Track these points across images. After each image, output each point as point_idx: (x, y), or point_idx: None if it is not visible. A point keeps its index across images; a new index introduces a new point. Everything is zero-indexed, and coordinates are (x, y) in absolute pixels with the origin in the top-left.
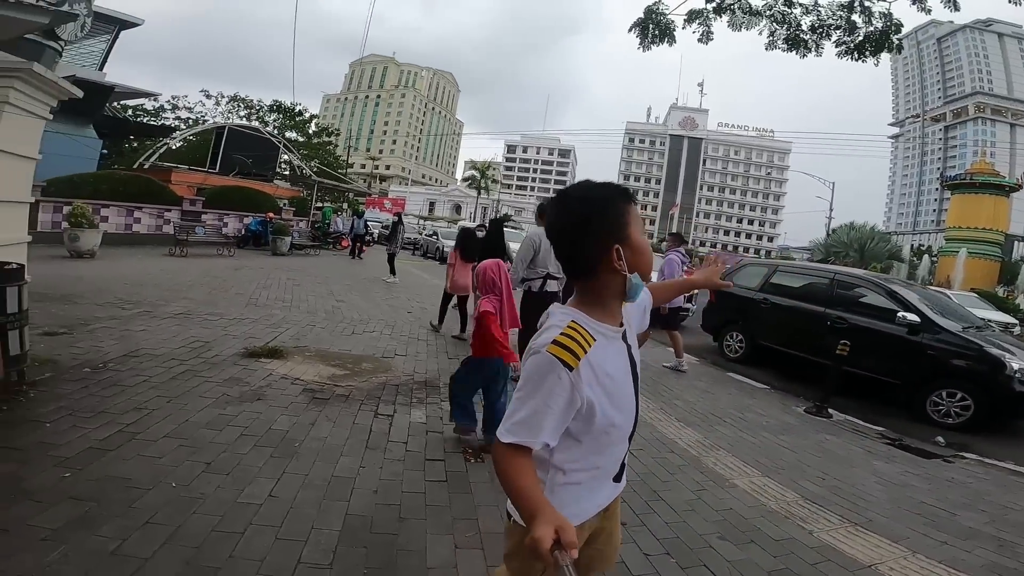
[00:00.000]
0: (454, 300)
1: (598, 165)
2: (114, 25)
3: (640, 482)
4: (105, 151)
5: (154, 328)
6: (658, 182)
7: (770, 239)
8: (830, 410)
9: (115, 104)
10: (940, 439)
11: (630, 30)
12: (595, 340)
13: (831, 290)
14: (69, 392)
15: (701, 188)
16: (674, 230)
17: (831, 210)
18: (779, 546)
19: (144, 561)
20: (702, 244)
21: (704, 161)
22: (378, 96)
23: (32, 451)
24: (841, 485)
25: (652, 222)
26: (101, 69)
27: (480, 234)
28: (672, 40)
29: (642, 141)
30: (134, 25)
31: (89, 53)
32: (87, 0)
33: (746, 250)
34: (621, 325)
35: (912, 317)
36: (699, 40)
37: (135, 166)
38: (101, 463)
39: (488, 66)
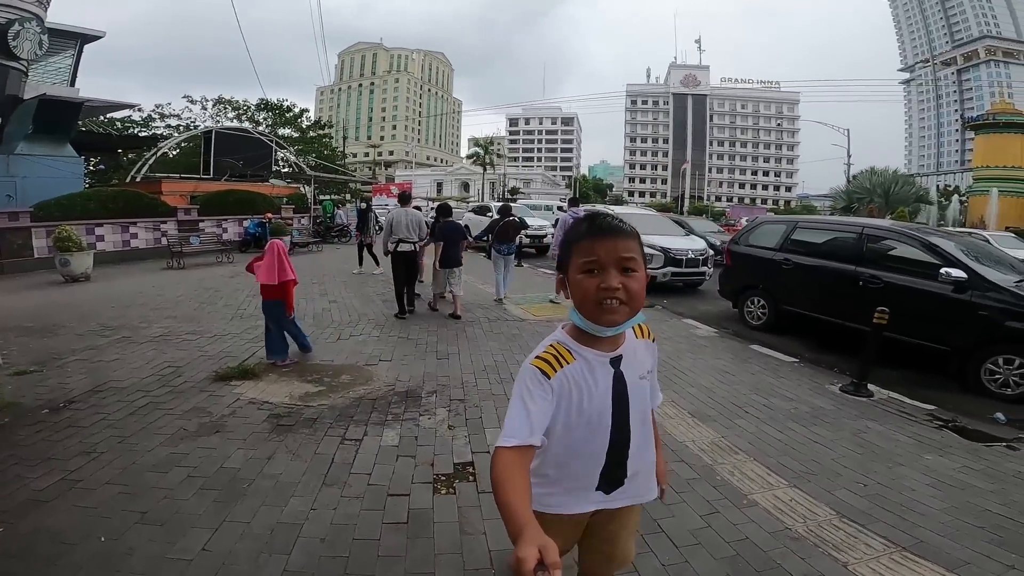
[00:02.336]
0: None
1: (603, 130)
2: (75, 40)
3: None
4: (102, 167)
5: (128, 356)
6: (666, 142)
7: (788, 189)
8: (870, 386)
9: (101, 118)
10: (1000, 415)
11: None
12: (574, 360)
13: (861, 245)
14: (22, 438)
15: (711, 144)
16: (687, 188)
17: (849, 156)
18: None
19: None
20: (717, 199)
21: (711, 117)
22: (371, 84)
23: None
24: (886, 492)
25: (664, 181)
26: (72, 85)
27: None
28: None
29: (644, 102)
30: (96, 38)
31: (57, 70)
32: (38, 19)
33: (763, 202)
34: (611, 350)
35: (957, 273)
36: None
37: (128, 180)
38: (35, 516)
39: (481, 43)
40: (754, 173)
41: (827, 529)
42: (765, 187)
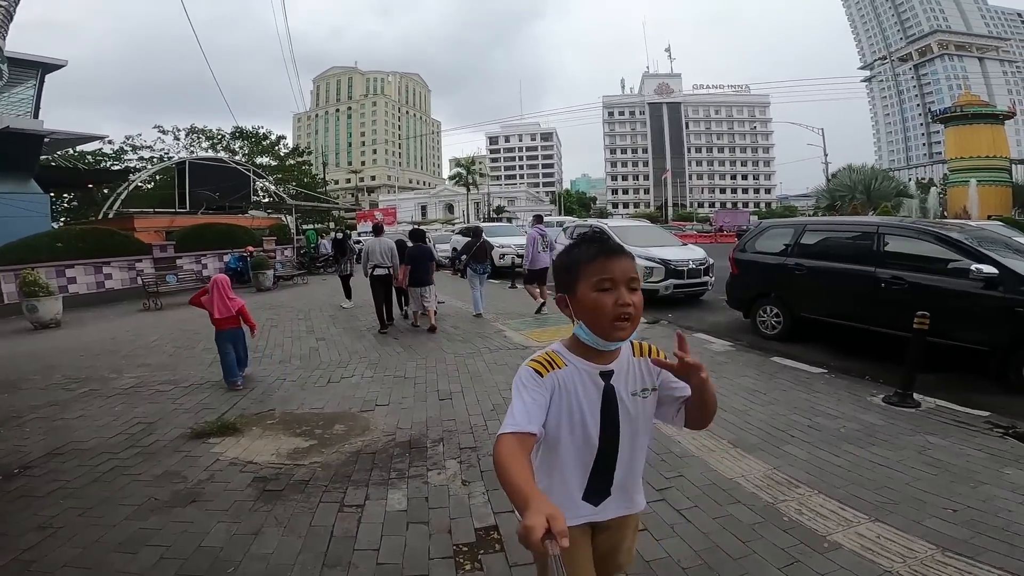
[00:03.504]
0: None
1: (582, 143)
2: (36, 69)
3: (704, 568)
4: (76, 203)
5: (94, 412)
6: (645, 151)
7: (767, 191)
8: (915, 395)
9: (70, 151)
10: None
11: None
12: (566, 366)
13: (878, 245)
14: None
15: (689, 151)
16: (669, 196)
17: (826, 155)
18: None
19: None
20: (700, 206)
21: (687, 124)
22: (348, 108)
23: None
24: (981, 517)
25: (647, 191)
26: (36, 117)
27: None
28: None
29: (621, 113)
30: (58, 67)
31: (19, 101)
32: None
33: (745, 205)
34: (604, 364)
35: (988, 269)
36: None
37: (100, 216)
38: None
39: (456, 63)
40: (733, 177)
41: (934, 567)
42: (745, 191)
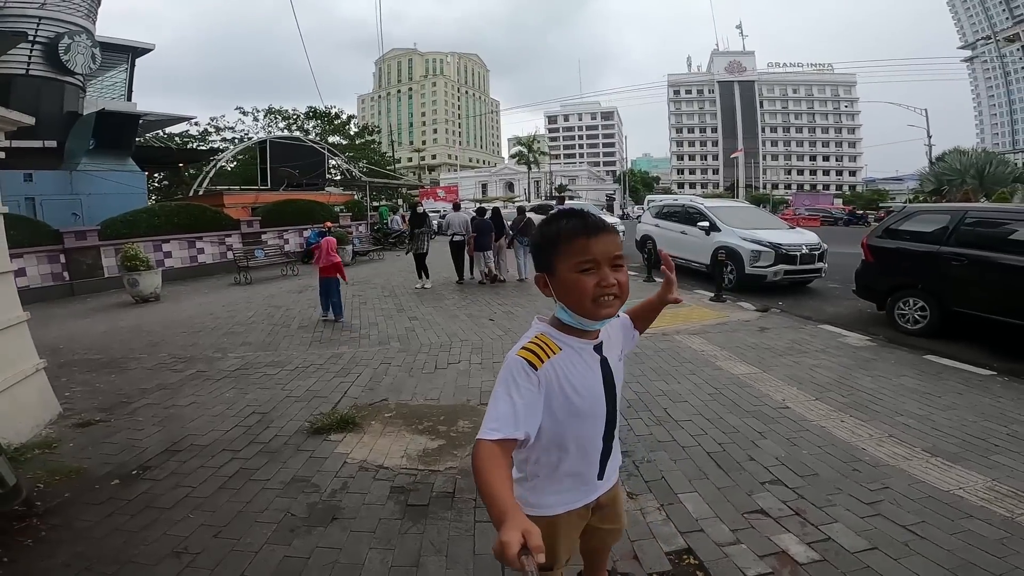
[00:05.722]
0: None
1: (644, 122)
2: (126, 53)
3: None
4: (166, 182)
5: (205, 398)
6: (714, 131)
7: (852, 174)
8: None
9: (159, 133)
10: None
11: None
12: (560, 350)
13: None
14: (88, 526)
15: (763, 131)
16: (741, 177)
17: (929, 137)
18: None
19: None
20: (775, 187)
21: (761, 103)
22: (409, 89)
23: None
24: None
25: (715, 171)
26: (129, 99)
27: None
28: None
29: (688, 92)
30: (146, 51)
31: (113, 85)
32: (87, 32)
33: (825, 187)
34: (595, 338)
35: None
36: None
37: (191, 193)
38: None
39: (515, 44)
40: (812, 159)
41: None
42: (826, 172)
